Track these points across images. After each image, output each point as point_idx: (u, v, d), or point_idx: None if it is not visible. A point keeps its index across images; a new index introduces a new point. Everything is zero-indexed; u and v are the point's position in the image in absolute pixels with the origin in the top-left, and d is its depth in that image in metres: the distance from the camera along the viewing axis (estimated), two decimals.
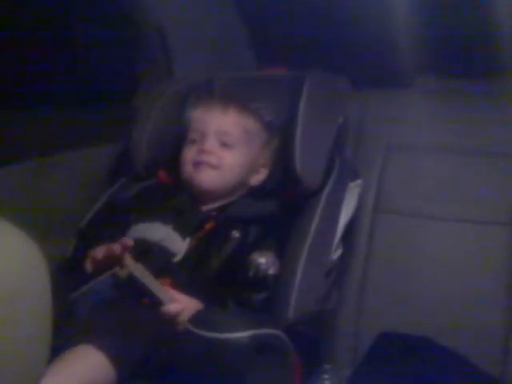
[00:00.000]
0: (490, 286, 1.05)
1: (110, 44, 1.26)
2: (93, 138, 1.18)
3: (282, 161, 1.03)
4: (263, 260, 0.92)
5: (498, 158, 1.12)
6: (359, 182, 1.08)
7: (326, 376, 1.00)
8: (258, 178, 1.04)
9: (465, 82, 1.18)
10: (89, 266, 0.91)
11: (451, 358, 0.98)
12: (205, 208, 1.01)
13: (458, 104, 1.17)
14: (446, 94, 1.18)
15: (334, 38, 1.21)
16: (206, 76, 1.18)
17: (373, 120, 1.21)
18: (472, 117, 1.15)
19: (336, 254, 1.01)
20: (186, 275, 0.92)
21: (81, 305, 0.84)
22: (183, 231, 0.95)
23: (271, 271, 0.92)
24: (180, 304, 0.83)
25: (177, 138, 1.07)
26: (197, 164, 0.99)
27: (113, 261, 0.86)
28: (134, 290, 0.82)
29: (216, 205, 1.01)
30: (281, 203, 1.03)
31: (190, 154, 1.01)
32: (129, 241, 0.87)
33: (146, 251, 0.93)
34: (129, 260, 0.85)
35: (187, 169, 1.01)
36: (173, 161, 1.06)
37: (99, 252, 0.89)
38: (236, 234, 0.95)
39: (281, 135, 1.05)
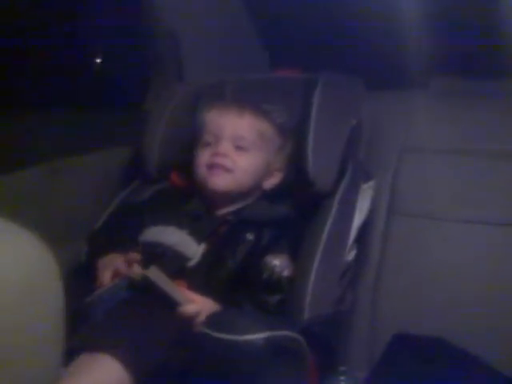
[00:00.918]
0: (505, 288, 1.03)
1: (122, 47, 1.27)
2: (105, 141, 1.18)
3: (295, 163, 1.03)
4: (277, 262, 0.92)
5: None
6: (372, 183, 1.07)
7: (341, 378, 0.99)
8: (271, 182, 1.04)
9: (480, 83, 1.17)
10: (98, 282, 0.90)
11: (466, 360, 0.97)
12: (219, 212, 1.01)
13: (472, 105, 1.16)
14: (461, 95, 1.17)
15: (347, 39, 1.20)
16: (217, 78, 1.18)
17: (386, 122, 1.20)
18: (486, 118, 1.14)
19: (350, 255, 1.01)
20: (201, 278, 0.92)
21: (96, 308, 0.84)
22: (198, 236, 0.95)
23: (285, 273, 0.92)
24: (197, 305, 0.83)
25: (189, 140, 1.07)
26: (211, 167, 0.99)
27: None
28: (149, 293, 0.82)
29: (230, 209, 1.01)
30: (294, 205, 1.02)
31: (204, 156, 1.01)
32: (135, 256, 0.87)
33: (160, 255, 0.93)
34: (138, 269, 0.85)
35: (201, 171, 1.00)
36: (185, 163, 1.06)
37: (105, 275, 0.89)
38: (250, 236, 0.95)
39: (294, 138, 1.04)
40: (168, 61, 1.28)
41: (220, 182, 0.98)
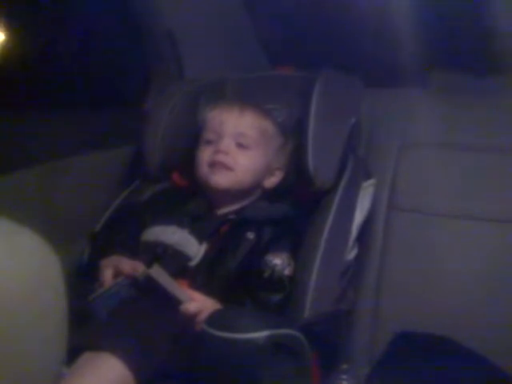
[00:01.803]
0: (507, 285, 1.03)
1: (122, 47, 1.27)
2: (105, 141, 1.18)
3: (295, 161, 1.03)
4: (278, 261, 0.92)
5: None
6: (372, 181, 1.07)
7: (343, 376, 0.99)
8: (272, 181, 1.04)
9: (479, 79, 1.17)
10: (99, 281, 0.90)
11: (470, 357, 0.97)
12: (220, 212, 1.01)
13: (471, 102, 1.16)
14: (460, 91, 1.17)
15: (346, 37, 1.20)
16: (217, 77, 1.18)
17: (385, 119, 1.20)
18: (485, 115, 1.14)
19: (351, 254, 1.01)
20: (202, 278, 0.92)
21: (99, 307, 0.84)
22: (199, 236, 0.95)
23: (286, 272, 0.92)
24: (199, 303, 0.83)
25: (189, 138, 1.07)
26: (212, 165, 0.99)
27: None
28: (152, 292, 0.82)
29: (231, 208, 1.01)
30: (294, 204, 1.02)
31: (205, 154, 1.01)
32: (139, 266, 0.87)
33: (161, 254, 0.93)
34: (141, 268, 0.86)
35: (202, 169, 1.01)
36: (186, 162, 1.06)
37: (107, 274, 0.89)
38: (250, 235, 0.95)
39: (294, 134, 1.04)
40: (168, 59, 1.28)
41: (221, 180, 0.98)
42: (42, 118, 1.07)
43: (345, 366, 0.99)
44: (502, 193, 1.08)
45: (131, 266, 0.88)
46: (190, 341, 0.80)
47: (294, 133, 1.04)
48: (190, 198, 1.02)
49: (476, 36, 1.13)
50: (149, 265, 0.87)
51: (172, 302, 0.81)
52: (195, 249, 0.94)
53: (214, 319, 0.78)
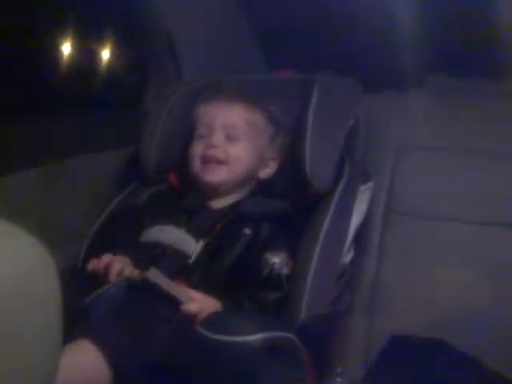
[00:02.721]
0: (504, 289, 1.03)
1: (120, 49, 1.27)
2: (102, 143, 1.18)
3: (292, 163, 1.03)
4: (277, 260, 0.92)
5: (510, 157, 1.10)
6: (370, 184, 1.07)
7: (338, 379, 0.99)
8: (267, 172, 1.04)
9: (476, 81, 1.17)
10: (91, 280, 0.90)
11: (465, 362, 0.97)
12: (216, 206, 1.01)
13: (468, 104, 1.16)
14: (457, 93, 1.17)
15: (344, 39, 1.21)
16: (215, 79, 1.18)
17: (383, 121, 1.20)
18: (483, 116, 1.14)
19: (348, 257, 1.01)
20: (199, 276, 0.92)
21: (94, 309, 0.84)
22: (196, 233, 0.96)
23: (285, 271, 0.93)
24: (199, 303, 0.83)
25: (186, 140, 1.07)
26: (205, 160, 1.00)
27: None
28: (149, 294, 0.82)
29: (227, 201, 1.01)
30: (292, 204, 1.02)
31: (197, 149, 1.02)
32: (133, 273, 0.87)
33: (159, 254, 0.94)
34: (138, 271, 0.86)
35: (195, 165, 1.02)
36: (183, 164, 1.06)
37: (112, 274, 0.88)
38: (247, 231, 0.95)
39: (290, 132, 1.05)
40: (166, 61, 1.28)
41: (214, 176, 0.99)
42: (39, 121, 1.07)
43: (339, 369, 0.99)
44: (499, 196, 1.08)
45: (132, 271, 0.87)
46: (186, 343, 0.80)
47: (289, 128, 1.05)
48: (185, 196, 1.03)
49: (475, 40, 1.14)
50: (147, 266, 0.87)
51: (171, 303, 0.81)
52: (193, 246, 0.94)
53: (209, 322, 0.79)
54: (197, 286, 0.88)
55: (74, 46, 1.13)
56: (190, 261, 0.93)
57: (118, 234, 1.02)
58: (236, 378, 0.76)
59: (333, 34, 1.24)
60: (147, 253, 0.94)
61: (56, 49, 1.13)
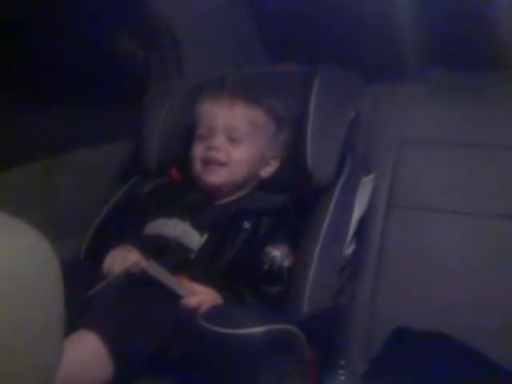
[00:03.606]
0: (505, 281, 1.03)
1: (122, 43, 1.26)
2: (105, 137, 1.18)
3: (294, 156, 1.03)
4: (278, 253, 0.92)
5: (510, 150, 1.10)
6: (372, 176, 1.07)
7: (340, 372, 0.99)
8: (268, 170, 1.04)
9: (477, 74, 1.17)
10: (104, 270, 0.90)
11: (466, 353, 0.97)
12: (219, 203, 1.01)
13: (469, 97, 1.15)
14: (458, 86, 1.16)
15: (344, 32, 1.20)
16: (217, 74, 1.18)
17: (385, 114, 1.19)
18: (484, 109, 1.14)
19: (349, 249, 1.01)
20: (201, 269, 0.92)
21: (96, 301, 0.84)
22: (200, 227, 0.96)
23: (286, 264, 0.93)
24: (199, 296, 0.83)
25: (188, 135, 1.07)
26: (205, 162, 1.00)
27: None
28: (149, 287, 0.82)
29: (230, 199, 1.01)
30: (293, 198, 1.02)
31: (198, 150, 1.02)
32: (144, 263, 0.86)
33: (163, 248, 0.94)
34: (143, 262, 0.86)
35: (197, 166, 1.02)
36: (185, 158, 1.06)
37: (116, 265, 0.88)
38: (247, 225, 0.96)
39: (292, 128, 1.04)
40: (167, 56, 1.28)
41: (215, 178, 0.99)
42: (41, 116, 1.07)
43: (342, 362, 0.99)
44: (499, 188, 1.08)
45: (139, 260, 0.87)
46: (188, 335, 0.80)
47: (291, 123, 1.04)
48: (189, 191, 1.03)
49: (476, 32, 1.13)
50: (151, 259, 0.87)
51: (172, 297, 0.81)
52: (196, 241, 0.95)
53: (211, 314, 0.78)
54: (199, 280, 0.88)
55: (73, 40, 1.12)
56: (193, 255, 0.94)
57: (123, 226, 1.02)
58: (237, 371, 0.76)
59: (333, 27, 1.23)
60: (151, 245, 0.94)
61: (54, 41, 1.12)
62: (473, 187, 1.10)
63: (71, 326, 0.68)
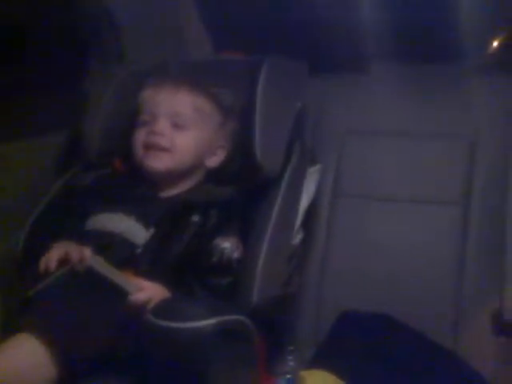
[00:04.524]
0: (442, 262, 1.10)
1: (58, 26, 1.20)
2: (41, 126, 1.12)
3: (241, 147, 1.03)
4: (227, 245, 0.92)
5: (450, 139, 1.15)
6: (318, 167, 1.09)
7: (289, 357, 1.01)
8: (215, 160, 1.02)
9: (422, 66, 1.21)
10: (41, 267, 0.85)
11: (410, 336, 1.02)
12: (164, 195, 0.99)
13: (414, 89, 1.20)
14: (404, 79, 1.20)
15: (293, 22, 1.20)
16: (160, 61, 1.15)
17: (331, 105, 1.22)
18: (425, 102, 1.18)
19: (297, 238, 1.03)
20: (148, 264, 0.90)
21: (38, 301, 0.80)
22: (146, 221, 0.93)
23: (235, 255, 0.92)
24: (146, 292, 0.81)
25: (131, 124, 1.04)
26: (147, 147, 0.97)
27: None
28: (94, 284, 0.79)
29: (176, 190, 0.99)
30: (241, 190, 1.02)
31: (140, 136, 0.98)
32: (87, 252, 0.83)
33: (108, 243, 0.91)
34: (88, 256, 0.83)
35: (138, 152, 0.98)
36: (128, 148, 1.03)
37: (52, 259, 0.84)
38: (195, 218, 0.94)
39: (238, 118, 1.03)
40: (107, 40, 1.22)
41: (157, 163, 0.96)
42: None
43: (291, 348, 1.01)
44: (442, 177, 1.14)
45: (80, 253, 0.83)
46: (136, 330, 0.79)
47: (237, 114, 1.03)
48: (133, 183, 1.00)
49: (420, 25, 1.17)
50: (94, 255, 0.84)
51: (118, 293, 0.79)
52: (142, 236, 0.92)
53: (159, 309, 0.77)
54: (145, 275, 0.86)
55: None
56: (139, 250, 0.91)
57: (61, 220, 0.97)
58: (189, 364, 0.75)
59: (281, 17, 1.23)
60: (93, 241, 0.90)
61: None
62: (415, 176, 1.15)
63: (11, 326, 0.64)
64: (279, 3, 1.19)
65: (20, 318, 0.72)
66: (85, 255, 0.82)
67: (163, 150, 0.96)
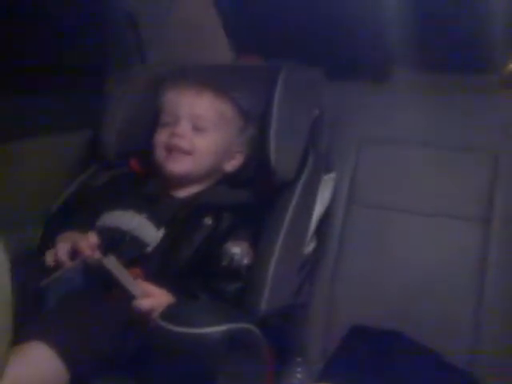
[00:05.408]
0: (460, 279, 1.06)
1: (82, 30, 1.21)
2: (63, 125, 1.14)
3: (257, 152, 1.02)
4: (237, 250, 0.91)
5: (471, 152, 1.13)
6: (333, 175, 1.08)
7: (297, 369, 1.00)
8: (233, 164, 1.02)
9: (444, 76, 1.19)
10: (49, 260, 0.86)
11: (421, 352, 0.99)
12: (179, 195, 0.99)
13: (433, 98, 1.17)
14: (422, 87, 1.18)
15: (311, 28, 1.20)
16: (179, 64, 1.15)
17: (348, 112, 1.20)
18: (447, 111, 1.16)
19: (310, 247, 1.01)
20: (157, 265, 0.90)
21: (50, 294, 0.80)
22: (157, 221, 0.93)
23: (245, 261, 0.91)
24: (153, 299, 0.80)
25: (149, 126, 1.04)
26: (169, 149, 0.97)
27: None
28: (104, 280, 0.79)
29: (190, 191, 0.99)
30: (255, 194, 1.01)
31: (161, 137, 0.99)
32: (95, 238, 0.84)
33: (118, 240, 0.91)
34: (97, 254, 0.83)
35: (159, 153, 0.99)
36: (145, 149, 1.03)
37: (63, 251, 0.85)
38: (208, 221, 0.94)
39: (257, 124, 1.03)
40: (129, 44, 1.24)
41: (178, 166, 0.96)
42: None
43: (299, 359, 0.99)
44: (459, 190, 1.10)
45: (88, 242, 0.84)
46: (144, 334, 0.78)
47: (255, 117, 1.03)
48: (148, 182, 1.00)
49: (445, 35, 1.15)
50: (106, 252, 0.84)
51: (125, 295, 0.79)
52: (152, 234, 0.92)
53: (169, 313, 0.76)
54: (153, 276, 0.85)
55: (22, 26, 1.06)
56: (149, 249, 0.91)
57: (76, 216, 0.98)
58: (197, 370, 0.74)
59: (299, 24, 1.23)
60: (105, 237, 0.90)
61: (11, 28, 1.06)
62: (432, 188, 1.12)
63: (22, 324, 0.64)
64: (298, 11, 1.19)
65: (30, 317, 0.72)
66: (90, 241, 0.82)
67: (184, 152, 0.96)
